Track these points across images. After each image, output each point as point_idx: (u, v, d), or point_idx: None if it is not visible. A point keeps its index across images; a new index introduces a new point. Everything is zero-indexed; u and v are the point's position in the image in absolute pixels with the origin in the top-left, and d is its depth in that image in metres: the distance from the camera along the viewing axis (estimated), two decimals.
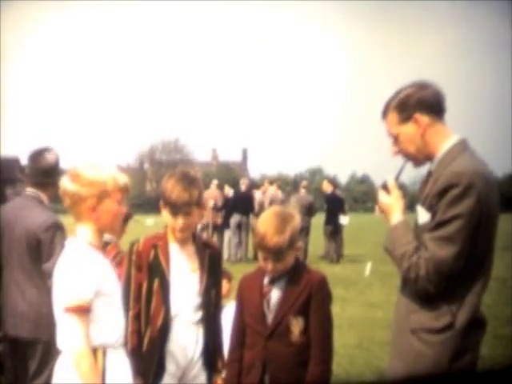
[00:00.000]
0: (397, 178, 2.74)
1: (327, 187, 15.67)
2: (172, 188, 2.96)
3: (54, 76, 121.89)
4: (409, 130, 2.63)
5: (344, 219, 15.42)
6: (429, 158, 2.66)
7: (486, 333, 2.62)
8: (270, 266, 2.89)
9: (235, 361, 3.00)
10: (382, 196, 2.72)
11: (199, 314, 3.05)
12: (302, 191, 15.45)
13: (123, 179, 2.69)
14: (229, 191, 15.55)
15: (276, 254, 2.85)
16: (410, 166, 2.75)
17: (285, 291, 2.92)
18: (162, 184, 3.04)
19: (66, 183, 2.63)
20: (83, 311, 2.49)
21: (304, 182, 16.52)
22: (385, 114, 2.70)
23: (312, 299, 2.88)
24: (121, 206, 2.68)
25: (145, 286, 3.00)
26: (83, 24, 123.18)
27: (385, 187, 2.72)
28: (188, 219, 2.99)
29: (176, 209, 2.96)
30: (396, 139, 2.68)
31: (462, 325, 2.47)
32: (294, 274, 2.93)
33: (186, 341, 3.03)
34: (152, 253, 3.02)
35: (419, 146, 2.63)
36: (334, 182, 17.43)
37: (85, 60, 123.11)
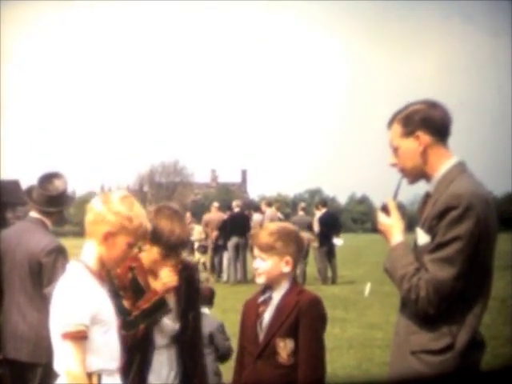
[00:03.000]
0: (394, 197, 2.75)
1: (318, 210, 15.53)
2: (170, 229, 2.91)
3: (52, 89, 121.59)
4: (409, 145, 2.64)
5: (338, 240, 15.25)
6: (423, 176, 2.68)
7: (486, 353, 2.62)
8: (255, 263, 2.99)
9: (236, 382, 3.03)
10: (382, 217, 2.73)
11: (174, 338, 3.04)
12: (301, 213, 15.48)
13: (144, 227, 2.64)
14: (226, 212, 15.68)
15: (263, 248, 2.97)
16: (408, 186, 2.75)
17: (275, 312, 2.94)
18: (151, 221, 2.87)
19: (96, 202, 2.63)
20: (80, 337, 2.49)
21: (302, 204, 16.51)
22: (390, 124, 2.72)
23: (300, 320, 2.89)
24: (129, 249, 2.64)
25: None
26: (84, 33, 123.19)
27: (384, 209, 2.73)
28: (178, 259, 2.99)
29: (169, 251, 2.93)
30: (395, 151, 2.70)
31: (462, 346, 2.48)
32: (286, 295, 2.96)
33: (160, 363, 3.01)
34: (129, 275, 2.99)
35: (416, 164, 2.64)
36: (324, 203, 16.85)
37: (85, 78, 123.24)
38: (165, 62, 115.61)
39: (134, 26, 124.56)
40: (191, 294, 3.13)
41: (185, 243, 2.97)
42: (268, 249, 2.96)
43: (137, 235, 2.64)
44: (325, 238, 14.99)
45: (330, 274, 15.11)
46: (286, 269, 2.99)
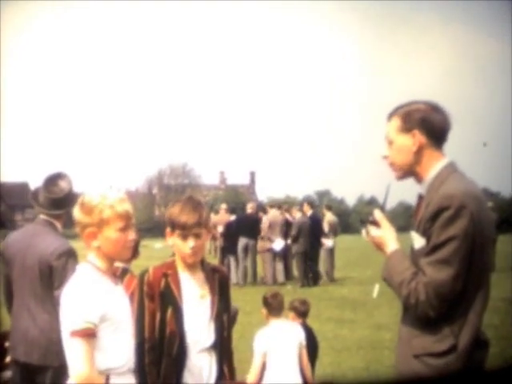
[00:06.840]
0: (382, 209, 2.76)
1: (306, 210, 15.17)
2: (180, 211, 2.97)
3: (59, 92, 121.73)
4: (404, 141, 2.66)
5: (328, 241, 15.22)
6: (412, 174, 2.69)
7: (494, 354, 2.64)
8: None
9: None
10: (373, 230, 2.73)
11: (212, 340, 3.03)
12: (298, 214, 15.45)
13: (123, 206, 2.66)
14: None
15: None
16: (414, 190, 2.75)
17: None
18: (168, 211, 3.03)
19: (75, 210, 2.68)
20: (89, 335, 2.51)
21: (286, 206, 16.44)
22: (390, 116, 2.74)
23: None
24: (124, 233, 2.66)
25: (158, 315, 2.96)
26: (87, 33, 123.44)
27: (373, 222, 2.73)
28: (198, 241, 2.98)
29: (186, 231, 2.95)
30: (390, 145, 2.72)
31: (466, 346, 2.48)
32: None
33: (200, 368, 3.00)
34: (163, 282, 2.99)
35: (407, 161, 2.66)
36: (313, 204, 16.59)
37: (93, 81, 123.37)
38: (173, 63, 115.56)
39: (138, 27, 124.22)
40: (225, 296, 3.14)
41: (197, 224, 2.97)
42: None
43: (118, 217, 2.63)
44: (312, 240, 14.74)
45: (329, 273, 15.06)
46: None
